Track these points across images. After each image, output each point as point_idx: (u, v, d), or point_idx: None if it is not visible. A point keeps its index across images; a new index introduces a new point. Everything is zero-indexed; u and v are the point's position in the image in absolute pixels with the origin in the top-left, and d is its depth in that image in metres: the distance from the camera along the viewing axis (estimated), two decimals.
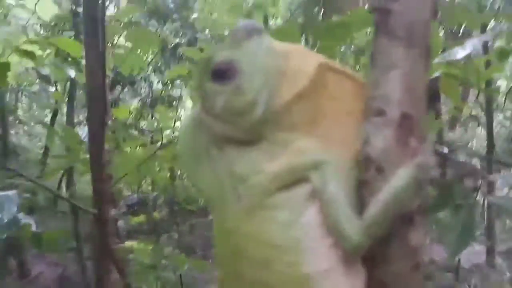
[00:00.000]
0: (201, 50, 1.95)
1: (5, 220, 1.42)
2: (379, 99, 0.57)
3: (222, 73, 0.53)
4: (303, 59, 0.55)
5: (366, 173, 0.56)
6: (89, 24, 1.47)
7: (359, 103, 0.57)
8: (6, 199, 1.47)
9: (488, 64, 1.40)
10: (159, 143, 2.16)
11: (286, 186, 0.51)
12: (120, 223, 4.04)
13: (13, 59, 1.77)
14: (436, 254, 2.91)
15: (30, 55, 1.65)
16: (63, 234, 2.01)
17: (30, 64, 1.84)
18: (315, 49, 1.09)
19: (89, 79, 1.52)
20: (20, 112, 5.95)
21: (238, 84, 0.53)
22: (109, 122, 2.09)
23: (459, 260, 2.92)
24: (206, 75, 0.54)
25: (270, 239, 0.50)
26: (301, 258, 0.50)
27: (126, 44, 1.91)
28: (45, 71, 1.85)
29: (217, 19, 4.44)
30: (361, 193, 0.55)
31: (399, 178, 0.51)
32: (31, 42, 1.64)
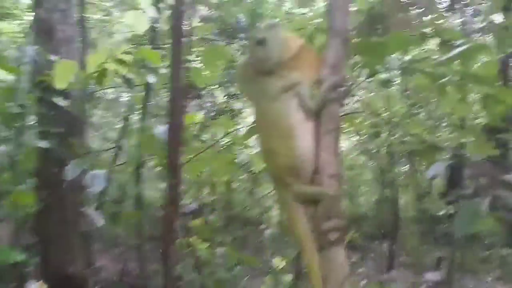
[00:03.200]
0: None
1: (96, 193, 1.73)
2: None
3: (260, 42, 1.25)
4: (296, 42, 1.28)
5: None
6: (175, 37, 1.78)
7: (318, 64, 1.26)
8: (96, 177, 1.79)
9: None
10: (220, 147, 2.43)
11: (285, 91, 1.23)
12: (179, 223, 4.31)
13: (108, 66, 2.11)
14: None
15: (124, 63, 1.99)
16: (138, 214, 2.31)
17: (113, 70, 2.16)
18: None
19: (172, 84, 1.82)
20: (95, 118, 6.49)
21: (266, 48, 1.24)
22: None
23: None
24: (253, 43, 1.27)
25: (275, 114, 1.23)
26: (287, 121, 1.21)
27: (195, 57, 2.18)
28: (130, 76, 2.18)
29: None
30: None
31: (321, 91, 1.22)
32: (127, 52, 1.99)
